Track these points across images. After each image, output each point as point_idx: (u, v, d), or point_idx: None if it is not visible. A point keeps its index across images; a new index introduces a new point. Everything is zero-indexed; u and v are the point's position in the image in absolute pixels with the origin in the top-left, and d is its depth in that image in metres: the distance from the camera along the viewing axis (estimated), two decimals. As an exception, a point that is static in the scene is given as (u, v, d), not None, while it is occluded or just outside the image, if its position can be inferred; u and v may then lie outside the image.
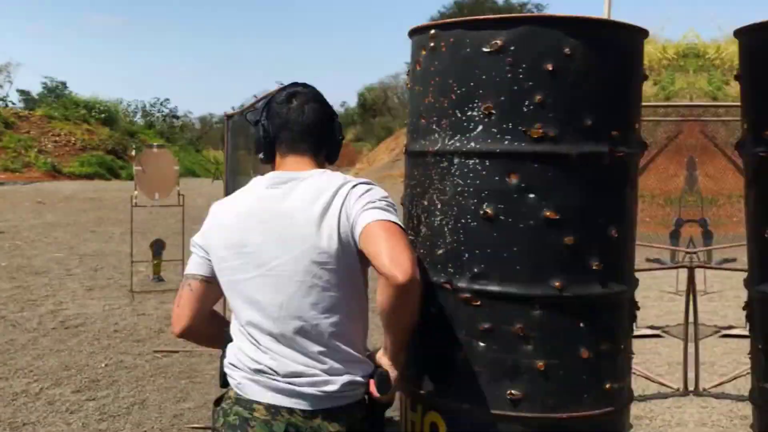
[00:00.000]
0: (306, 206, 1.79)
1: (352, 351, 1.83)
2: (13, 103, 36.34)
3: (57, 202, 18.93)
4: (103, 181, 27.81)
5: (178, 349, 6.06)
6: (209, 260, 1.91)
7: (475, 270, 1.80)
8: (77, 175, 29.16)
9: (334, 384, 1.79)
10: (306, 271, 1.77)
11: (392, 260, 1.65)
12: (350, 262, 1.79)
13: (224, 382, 1.90)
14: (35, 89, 41.23)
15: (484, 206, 1.79)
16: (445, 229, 1.85)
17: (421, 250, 1.91)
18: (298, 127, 1.90)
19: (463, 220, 1.82)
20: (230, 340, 1.90)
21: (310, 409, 1.78)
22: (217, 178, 26.13)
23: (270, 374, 1.79)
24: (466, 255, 1.82)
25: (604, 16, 14.31)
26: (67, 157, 30.85)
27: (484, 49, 1.78)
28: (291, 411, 1.77)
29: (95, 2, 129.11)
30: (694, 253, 6.17)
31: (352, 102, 61.66)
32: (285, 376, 1.78)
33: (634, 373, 2.71)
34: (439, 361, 1.89)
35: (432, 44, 1.88)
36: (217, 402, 1.92)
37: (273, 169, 1.94)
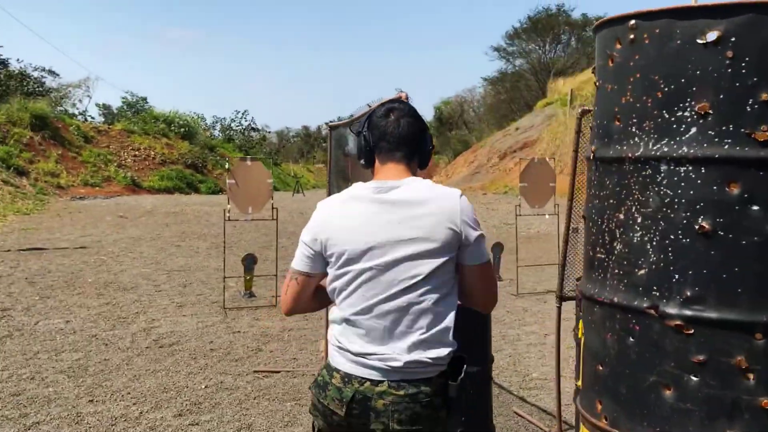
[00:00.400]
0: (410, 209, 2.15)
1: (435, 333, 2.13)
2: (92, 118, 37.92)
3: (138, 217, 19.51)
4: (182, 195, 28.58)
5: (279, 369, 6.05)
6: (314, 256, 2.25)
7: (688, 293, 1.64)
8: (157, 190, 30.10)
9: (399, 361, 2.10)
10: (407, 265, 2.11)
11: (485, 306, 2.32)
12: (447, 259, 2.13)
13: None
14: (115, 104, 42.90)
15: (699, 220, 1.63)
16: (648, 247, 1.69)
17: (616, 270, 1.76)
18: (394, 138, 2.26)
19: (671, 236, 1.66)
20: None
21: (379, 379, 2.11)
22: (298, 191, 26.41)
23: (347, 350, 2.17)
24: (676, 276, 1.65)
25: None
26: (147, 171, 31.90)
27: (699, 41, 1.62)
28: (362, 381, 2.13)
29: (173, 16, 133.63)
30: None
31: (429, 115, 61.84)
32: (367, 352, 2.14)
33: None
34: (639, 398, 1.73)
35: (631, 36, 1.73)
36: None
37: (372, 174, 2.31)
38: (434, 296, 2.11)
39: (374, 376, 2.13)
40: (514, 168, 30.63)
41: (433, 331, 2.12)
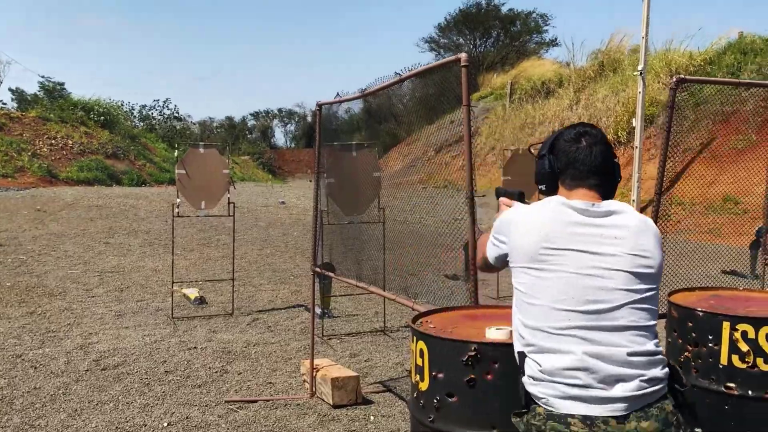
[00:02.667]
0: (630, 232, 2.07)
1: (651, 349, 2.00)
2: (4, 104, 35.10)
3: (59, 210, 17.78)
4: (104, 187, 26.65)
5: (255, 398, 4.96)
6: (506, 254, 2.19)
7: None
8: (75, 181, 27.98)
9: (642, 383, 1.94)
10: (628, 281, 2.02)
11: None
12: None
13: (529, 400, 2.05)
14: (30, 90, 40.10)
15: None
16: None
17: None
18: (586, 166, 2.13)
19: None
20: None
21: (623, 414, 1.91)
22: (232, 183, 24.99)
23: (584, 385, 1.94)
24: None
25: (642, 21, 12.99)
26: (64, 161, 29.66)
27: None
28: (606, 420, 1.91)
29: (92, 2, 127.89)
30: None
31: (356, 107, 60.93)
32: (600, 382, 1.94)
33: None
34: None
35: None
36: (517, 414, 2.08)
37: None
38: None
39: (617, 412, 1.93)
40: (452, 162, 30.07)
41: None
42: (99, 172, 29.02)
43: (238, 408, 4.79)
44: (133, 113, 42.82)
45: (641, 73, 15.62)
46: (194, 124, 52.44)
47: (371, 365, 5.85)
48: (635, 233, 2.06)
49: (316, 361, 5.23)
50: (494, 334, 2.61)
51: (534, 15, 50.68)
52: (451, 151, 32.59)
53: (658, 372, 1.99)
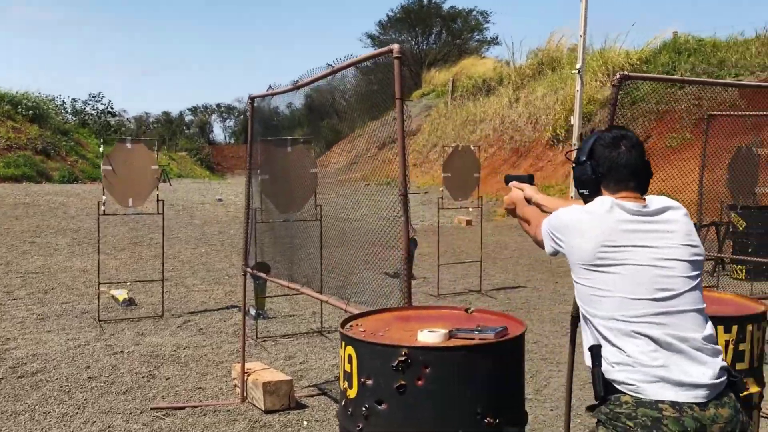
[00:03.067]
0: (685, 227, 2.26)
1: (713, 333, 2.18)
2: None
3: (-18, 208, 17.04)
4: (33, 184, 25.66)
5: (183, 404, 4.75)
6: (561, 251, 2.31)
7: None
8: (2, 177, 26.94)
9: (719, 371, 2.09)
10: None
11: None
12: None
13: (608, 390, 2.13)
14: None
15: None
16: None
17: None
18: (628, 169, 2.27)
19: None
20: None
21: (704, 401, 2.03)
22: (164, 180, 24.43)
23: (667, 365, 2.06)
24: None
25: (580, 20, 13.23)
26: (-11, 157, 28.51)
27: None
28: (691, 406, 2.01)
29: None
30: None
31: (299, 102, 60.53)
32: (683, 365, 2.07)
33: None
34: None
35: None
36: (591, 408, 2.21)
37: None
38: None
39: (699, 398, 2.05)
40: (395, 158, 30.01)
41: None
42: (27, 168, 27.95)
43: (164, 415, 4.57)
44: (65, 108, 41.50)
45: (579, 72, 15.82)
46: (129, 120, 51.14)
47: (306, 368, 5.69)
48: (684, 225, 2.25)
49: (248, 365, 5.05)
50: (426, 337, 2.49)
51: (474, 13, 51.08)
52: (394, 147, 32.60)
53: (723, 362, 2.14)
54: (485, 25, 50.66)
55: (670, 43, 20.76)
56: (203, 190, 26.09)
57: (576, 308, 3.55)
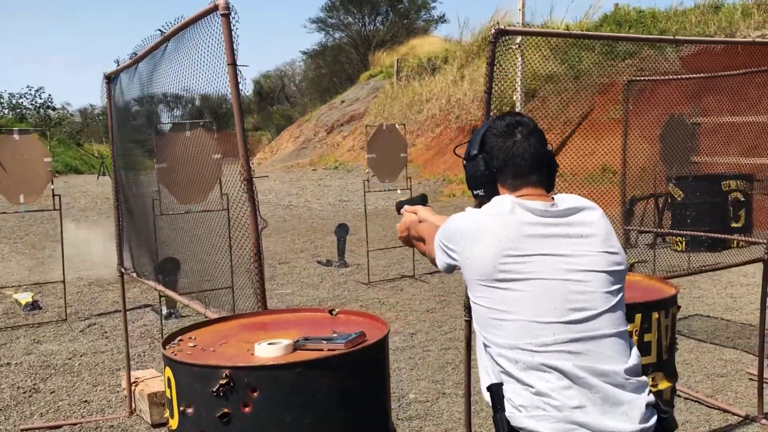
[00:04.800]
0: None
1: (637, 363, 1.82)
2: None
3: None
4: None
5: (59, 423, 4.26)
6: (456, 265, 1.90)
7: None
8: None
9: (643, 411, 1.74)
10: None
11: None
12: None
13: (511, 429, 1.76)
14: None
15: None
16: None
17: None
18: (526, 161, 1.90)
19: None
20: None
21: None
22: (104, 173, 23.67)
23: (584, 407, 1.70)
24: None
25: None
26: None
27: None
28: None
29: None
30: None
31: (248, 90, 59.62)
32: (602, 405, 1.71)
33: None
34: None
35: None
36: None
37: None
38: None
39: None
40: (342, 142, 29.49)
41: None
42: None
43: (36, 437, 4.08)
44: (2, 102, 40.00)
45: (519, 46, 15.50)
46: (72, 114, 49.57)
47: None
48: (602, 228, 1.87)
49: (139, 373, 4.58)
50: (264, 350, 2.06)
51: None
52: (342, 131, 32.07)
53: (650, 396, 1.79)
54: (432, 4, 50.25)
55: (611, 15, 20.58)
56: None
57: (470, 330, 3.19)
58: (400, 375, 5.00)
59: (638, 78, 6.81)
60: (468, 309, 3.42)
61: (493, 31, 2.99)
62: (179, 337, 2.25)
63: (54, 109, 41.64)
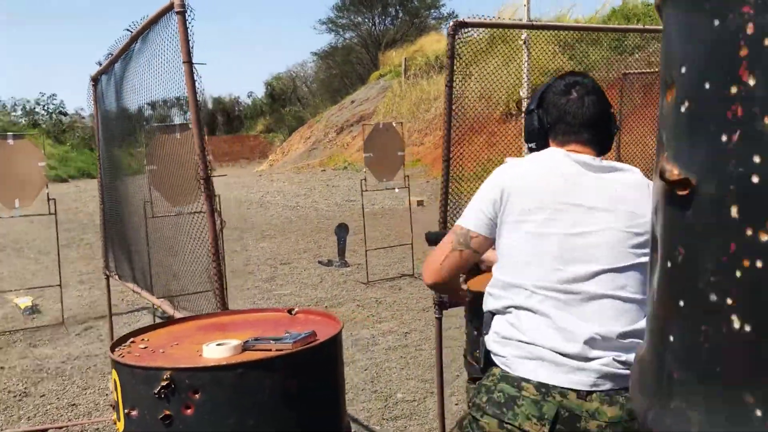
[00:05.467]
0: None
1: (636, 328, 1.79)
2: None
3: None
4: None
5: (45, 427, 4.27)
6: (495, 223, 1.90)
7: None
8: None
9: (617, 362, 1.74)
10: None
11: None
12: None
13: (488, 361, 1.88)
14: None
15: None
16: None
17: None
18: (577, 119, 1.94)
19: None
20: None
21: (587, 389, 1.72)
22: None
23: (553, 350, 1.75)
24: None
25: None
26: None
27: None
28: (564, 392, 1.72)
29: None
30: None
31: (260, 91, 59.78)
32: (571, 353, 1.74)
33: None
34: None
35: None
36: (473, 380, 2.18)
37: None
38: None
39: (580, 385, 1.73)
40: (352, 142, 29.48)
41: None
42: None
43: (22, 440, 4.10)
44: (15, 108, 40.44)
45: (525, 42, 15.43)
46: (83, 118, 50.01)
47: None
48: (635, 191, 1.88)
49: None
50: (211, 352, 2.05)
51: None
52: (352, 131, 32.03)
53: (621, 367, 1.76)
54: (442, 2, 50.23)
55: (619, 9, 20.44)
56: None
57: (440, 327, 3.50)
58: (390, 374, 4.98)
59: (632, 72, 6.80)
60: (438, 305, 3.40)
61: (451, 23, 2.96)
62: (131, 339, 2.24)
63: (66, 114, 42.01)
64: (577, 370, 1.74)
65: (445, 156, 3.45)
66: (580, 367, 1.74)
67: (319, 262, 9.47)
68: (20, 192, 6.40)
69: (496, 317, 1.90)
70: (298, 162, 32.05)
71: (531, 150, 2.05)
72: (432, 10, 51.18)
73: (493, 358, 1.86)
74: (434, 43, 32.54)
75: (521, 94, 18.89)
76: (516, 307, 1.84)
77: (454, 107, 3.53)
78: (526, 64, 16.74)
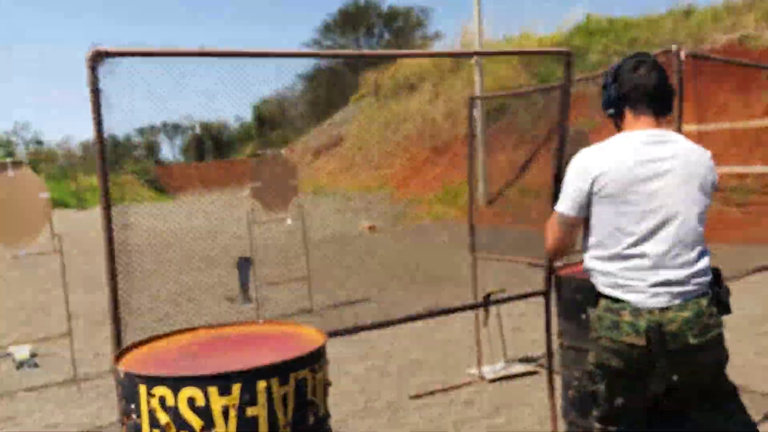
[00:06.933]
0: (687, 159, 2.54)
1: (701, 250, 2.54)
2: None
3: None
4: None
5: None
6: (586, 201, 2.54)
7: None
8: None
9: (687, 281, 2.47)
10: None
11: None
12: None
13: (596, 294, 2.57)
14: None
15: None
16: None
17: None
18: (647, 90, 2.56)
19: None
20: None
21: (665, 305, 2.41)
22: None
23: (642, 278, 2.44)
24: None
25: (474, 7, 12.86)
26: None
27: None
28: (651, 310, 2.41)
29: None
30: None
31: (248, 115, 59.92)
32: (658, 284, 2.44)
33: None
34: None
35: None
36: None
37: (618, 126, 2.64)
38: None
39: (660, 303, 2.42)
40: (323, 166, 29.35)
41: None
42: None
43: None
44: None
45: (477, 62, 15.40)
46: (65, 146, 50.07)
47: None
48: (688, 154, 2.52)
49: None
50: None
51: (415, 10, 50.98)
52: (329, 154, 31.96)
53: (702, 279, 2.47)
54: (426, 22, 50.54)
55: (582, 25, 20.45)
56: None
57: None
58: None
59: (479, 96, 6.79)
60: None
61: (90, 53, 2.61)
62: None
63: (40, 143, 41.98)
64: (658, 294, 2.42)
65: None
66: (659, 291, 2.42)
67: (227, 298, 9.22)
68: (23, 228, 5.84)
69: (597, 264, 2.54)
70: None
71: (610, 116, 2.64)
72: (417, 30, 51.43)
73: (600, 293, 2.53)
74: (413, 64, 32.60)
75: (474, 113, 18.78)
76: (610, 259, 2.51)
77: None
78: (478, 84, 16.66)
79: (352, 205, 21.11)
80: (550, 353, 4.20)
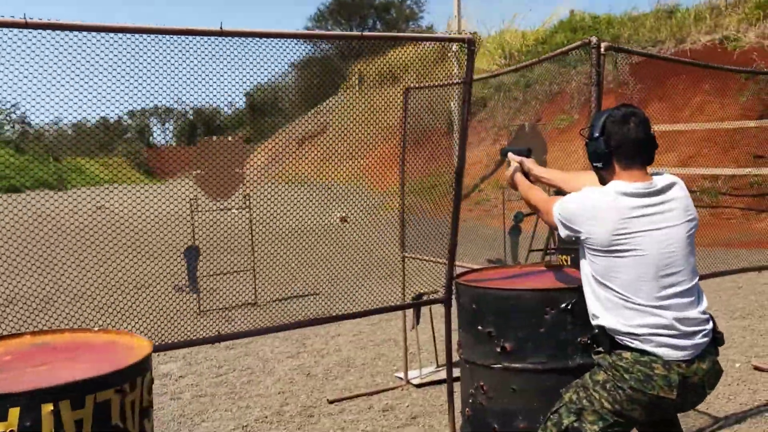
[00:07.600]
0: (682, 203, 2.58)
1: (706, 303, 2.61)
2: None
3: None
4: None
5: None
6: (579, 237, 2.58)
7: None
8: None
9: (704, 336, 2.53)
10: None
11: None
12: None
13: (613, 344, 2.51)
14: None
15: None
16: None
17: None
18: (637, 144, 2.55)
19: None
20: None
21: (690, 359, 2.45)
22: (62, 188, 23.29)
23: (668, 335, 2.45)
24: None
25: (453, 12, 12.41)
26: None
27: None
28: (679, 364, 2.43)
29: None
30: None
31: (241, 102, 59.61)
32: (680, 337, 2.46)
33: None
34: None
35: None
36: (597, 352, 2.58)
37: (604, 178, 2.63)
38: None
39: (686, 357, 2.45)
40: (306, 154, 29.07)
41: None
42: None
43: None
44: (-17, 120, 39.98)
45: (455, 54, 15.13)
46: (59, 126, 49.59)
47: None
48: (683, 201, 2.56)
49: None
50: None
51: (408, 2, 50.75)
52: (313, 143, 31.64)
53: (710, 325, 2.53)
54: (420, 14, 50.29)
55: (566, 21, 20.22)
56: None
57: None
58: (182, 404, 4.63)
59: (415, 86, 6.73)
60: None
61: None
62: None
63: (28, 124, 41.58)
64: (685, 348, 2.44)
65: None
66: (686, 345, 2.44)
67: (175, 287, 8.94)
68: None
69: (615, 312, 2.50)
70: (260, 173, 31.70)
71: (596, 168, 2.63)
72: (410, 22, 51.19)
73: (621, 342, 2.48)
74: (402, 55, 32.31)
75: (452, 106, 18.50)
76: (631, 309, 2.50)
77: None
78: (456, 78, 16.40)
79: (330, 196, 20.91)
80: (450, 364, 3.98)
